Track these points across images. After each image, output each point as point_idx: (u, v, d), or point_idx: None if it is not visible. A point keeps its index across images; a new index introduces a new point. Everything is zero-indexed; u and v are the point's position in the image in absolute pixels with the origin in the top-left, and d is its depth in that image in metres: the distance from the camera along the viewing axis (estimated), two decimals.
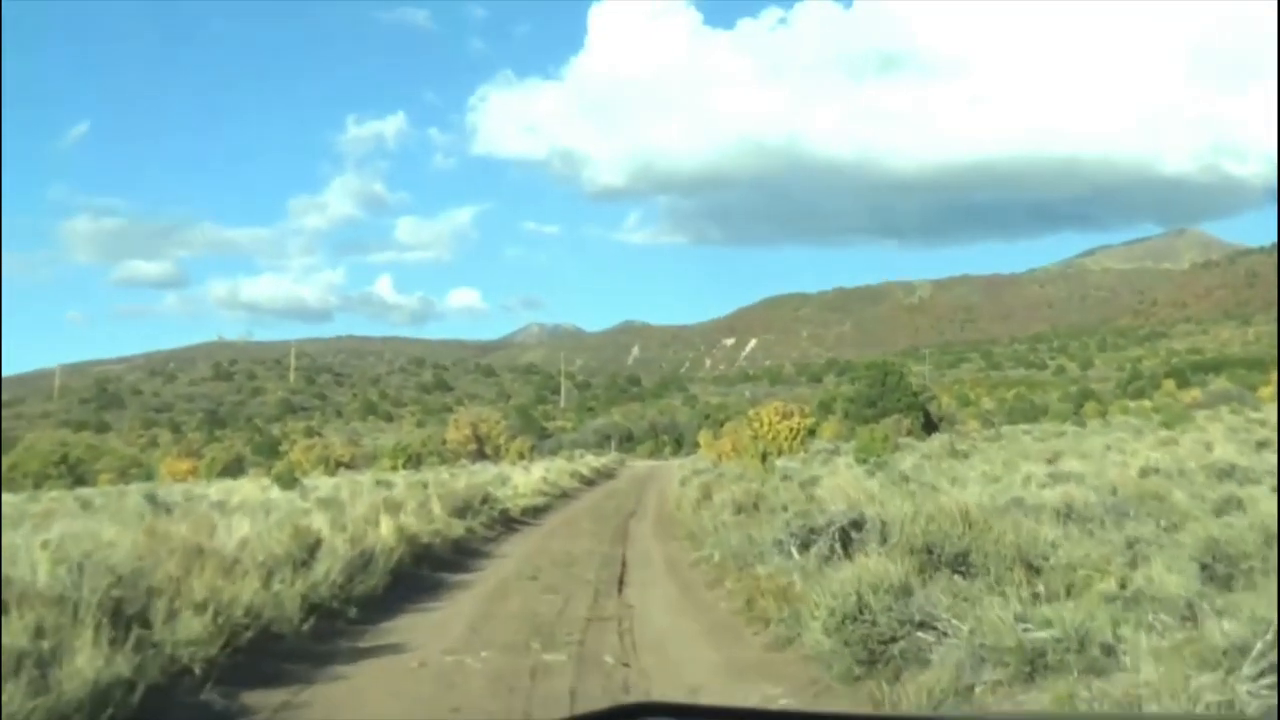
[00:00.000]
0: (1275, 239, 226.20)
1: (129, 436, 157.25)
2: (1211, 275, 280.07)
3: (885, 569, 11.15)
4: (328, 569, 13.86)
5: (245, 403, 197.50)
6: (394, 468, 70.58)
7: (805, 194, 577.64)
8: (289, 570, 13.38)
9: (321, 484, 52.34)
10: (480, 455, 78.83)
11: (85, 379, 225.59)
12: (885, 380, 74.82)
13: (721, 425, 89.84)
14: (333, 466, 77.51)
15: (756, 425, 61.37)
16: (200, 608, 10.21)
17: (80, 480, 73.75)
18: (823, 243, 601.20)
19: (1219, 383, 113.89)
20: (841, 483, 21.74)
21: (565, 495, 44.77)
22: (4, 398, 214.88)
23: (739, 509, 23.31)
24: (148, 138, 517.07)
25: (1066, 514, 16.90)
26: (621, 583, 17.59)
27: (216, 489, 39.47)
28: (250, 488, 36.05)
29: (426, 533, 20.91)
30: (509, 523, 30.38)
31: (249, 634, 10.62)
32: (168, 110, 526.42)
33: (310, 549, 14.87)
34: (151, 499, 29.48)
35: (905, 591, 10.58)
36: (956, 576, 11.45)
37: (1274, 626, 7.34)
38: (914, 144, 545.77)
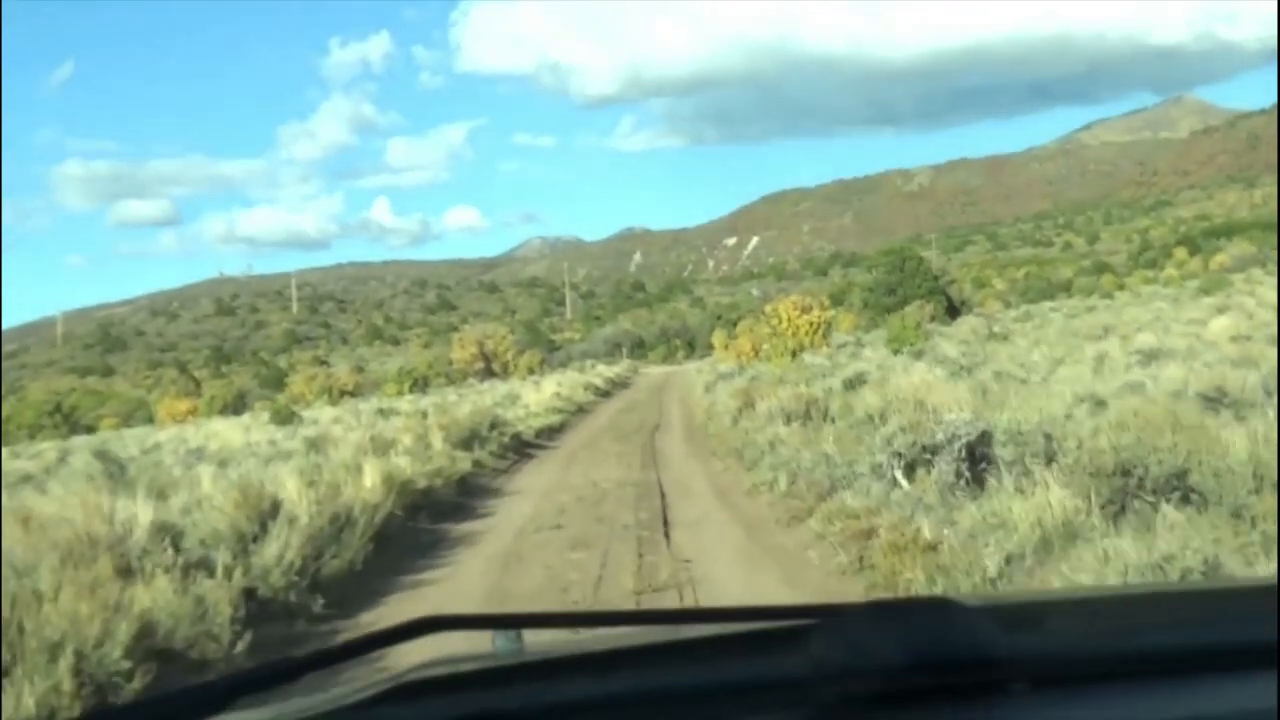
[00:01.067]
0: (1276, 100, 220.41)
1: (134, 379, 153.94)
2: (1212, 141, 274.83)
3: (1070, 503, 7.51)
4: (281, 549, 10.18)
5: (250, 336, 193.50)
6: (399, 393, 67.02)
7: (799, 88, 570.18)
8: (230, 555, 9.74)
9: (323, 415, 48.88)
10: (488, 373, 75.23)
11: (90, 324, 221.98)
12: (904, 266, 70.94)
13: (735, 325, 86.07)
14: (336, 396, 74.00)
15: (774, 322, 57.54)
16: (54, 650, 6.53)
17: (77, 428, 70.36)
18: (819, 136, 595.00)
19: (1241, 246, 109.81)
20: (914, 382, 17.99)
21: (581, 410, 41.17)
22: (6, 349, 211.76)
23: (788, 417, 19.70)
24: (132, 75, 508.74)
25: (1220, 400, 13.25)
26: (667, 525, 13.89)
27: (201, 433, 35.71)
28: (232, 431, 32.29)
29: (425, 474, 17.26)
30: (522, 448, 26.78)
31: (133, 681, 6.89)
32: (150, 46, 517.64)
33: (264, 518, 11.20)
34: (102, 455, 25.71)
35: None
36: (1175, 508, 7.76)
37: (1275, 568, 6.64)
38: (905, 31, 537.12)
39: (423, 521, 15.23)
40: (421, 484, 16.39)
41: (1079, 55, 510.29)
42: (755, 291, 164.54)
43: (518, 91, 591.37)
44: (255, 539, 10.66)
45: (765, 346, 57.09)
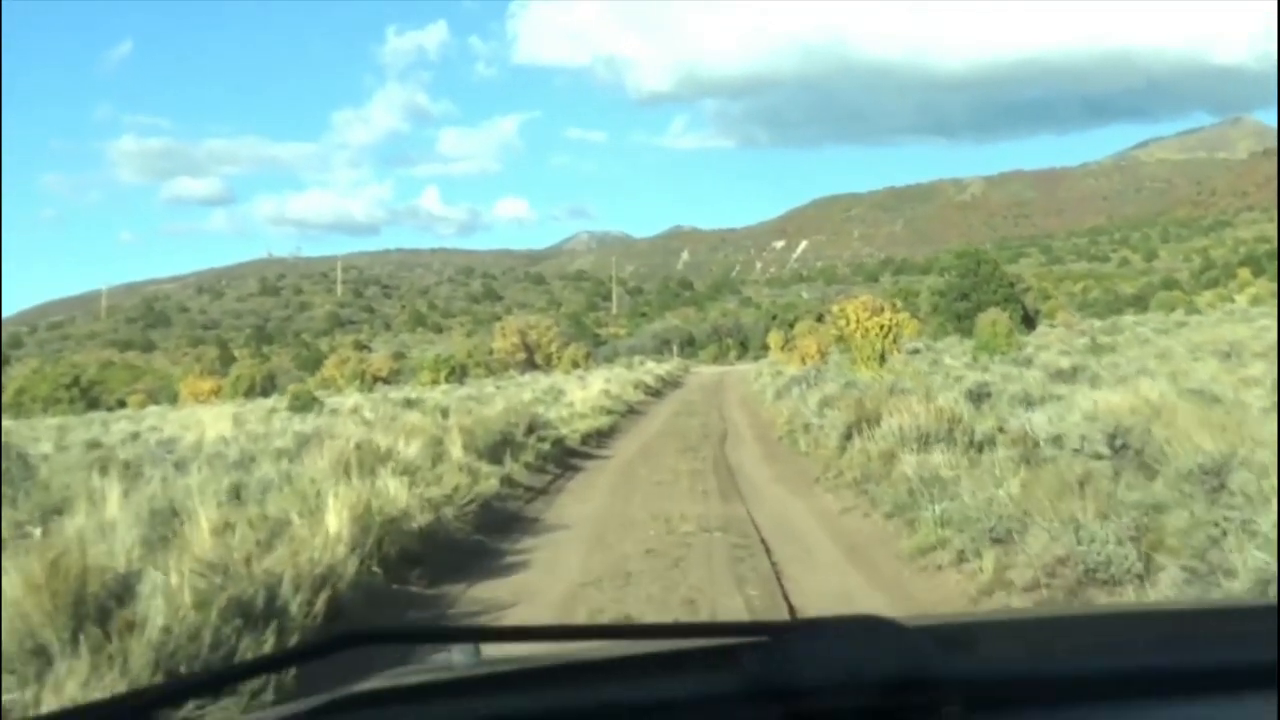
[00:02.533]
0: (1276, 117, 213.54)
1: (174, 355, 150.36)
2: (1271, 163, 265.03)
3: None
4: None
5: (293, 318, 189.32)
6: (434, 381, 61.98)
7: (853, 94, 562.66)
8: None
9: (346, 403, 43.96)
10: (530, 365, 70.17)
11: (137, 299, 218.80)
12: (978, 271, 65.28)
13: (791, 326, 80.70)
14: (369, 382, 69.22)
15: (841, 323, 52.14)
16: None
17: (96, 404, 65.68)
18: (871, 143, 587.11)
19: None
20: (1117, 401, 12.64)
21: (632, 411, 35.88)
22: (53, 319, 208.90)
23: (925, 439, 14.43)
24: (190, 55, 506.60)
25: None
26: (795, 615, 8.49)
27: (191, 419, 30.59)
28: (220, 420, 27.02)
29: (429, 502, 12.01)
30: (566, 458, 21.53)
31: None
32: (208, 26, 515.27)
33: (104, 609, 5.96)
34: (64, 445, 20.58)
35: None
36: None
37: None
38: (962, 41, 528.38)
39: (414, 582, 9.95)
40: (420, 520, 11.05)
41: (1137, 72, 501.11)
42: (804, 294, 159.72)
43: (572, 85, 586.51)
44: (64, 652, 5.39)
45: (833, 349, 51.92)
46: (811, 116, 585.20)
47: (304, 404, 41.68)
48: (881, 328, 52.32)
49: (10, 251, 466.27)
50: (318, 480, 11.41)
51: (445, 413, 19.13)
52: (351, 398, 51.16)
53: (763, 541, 11.84)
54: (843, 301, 57.55)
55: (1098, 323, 67.83)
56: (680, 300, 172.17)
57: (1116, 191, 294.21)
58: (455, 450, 16.09)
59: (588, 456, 22.75)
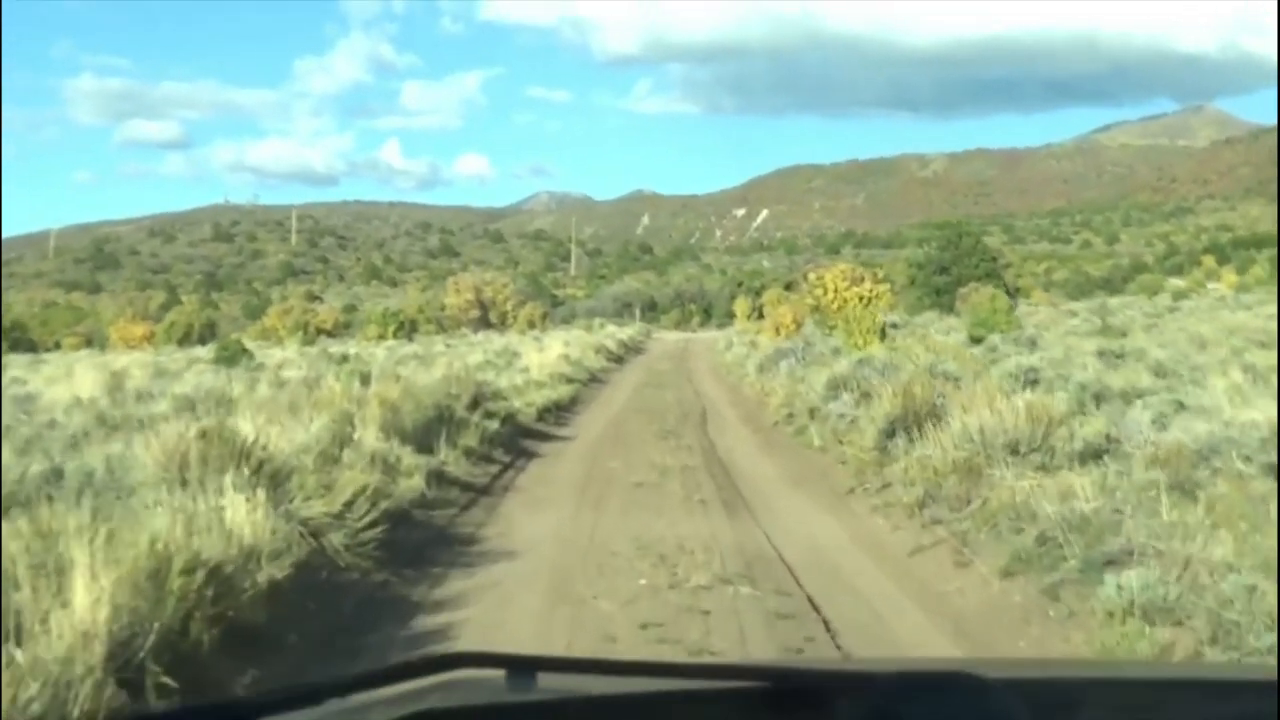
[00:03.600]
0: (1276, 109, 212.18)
1: (121, 298, 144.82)
2: (1234, 152, 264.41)
3: None
4: None
5: (245, 265, 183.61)
6: (380, 337, 57.48)
7: (819, 65, 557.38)
8: None
9: (277, 356, 39.57)
10: (484, 323, 65.73)
11: (89, 240, 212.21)
12: (960, 243, 61.18)
13: (758, 294, 76.50)
14: (312, 334, 64.68)
15: (818, 292, 48.29)
16: None
17: (20, 345, 60.68)
18: (836, 114, 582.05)
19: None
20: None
21: (594, 379, 31.67)
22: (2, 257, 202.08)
23: (1014, 448, 10.42)
24: None
25: None
26: None
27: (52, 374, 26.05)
28: (86, 376, 22.38)
29: (309, 524, 7.71)
30: (517, 439, 17.31)
31: None
32: None
33: None
34: None
35: None
36: None
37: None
38: (929, 17, 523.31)
39: (229, 689, 5.65)
40: (274, 569, 6.73)
41: (1102, 55, 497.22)
42: (766, 264, 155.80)
43: (537, 44, 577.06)
44: None
45: (808, 319, 47.95)
46: (777, 85, 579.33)
47: (231, 356, 37.30)
48: (861, 298, 48.56)
49: None
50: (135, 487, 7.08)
51: (366, 379, 14.69)
52: (285, 351, 46.80)
53: (815, 609, 7.61)
54: (820, 269, 53.52)
55: (1074, 304, 64.22)
56: (639, 264, 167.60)
57: (1078, 174, 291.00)
58: (368, 434, 11.79)
59: (545, 437, 18.51)
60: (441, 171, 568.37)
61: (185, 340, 61.75)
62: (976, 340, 35.76)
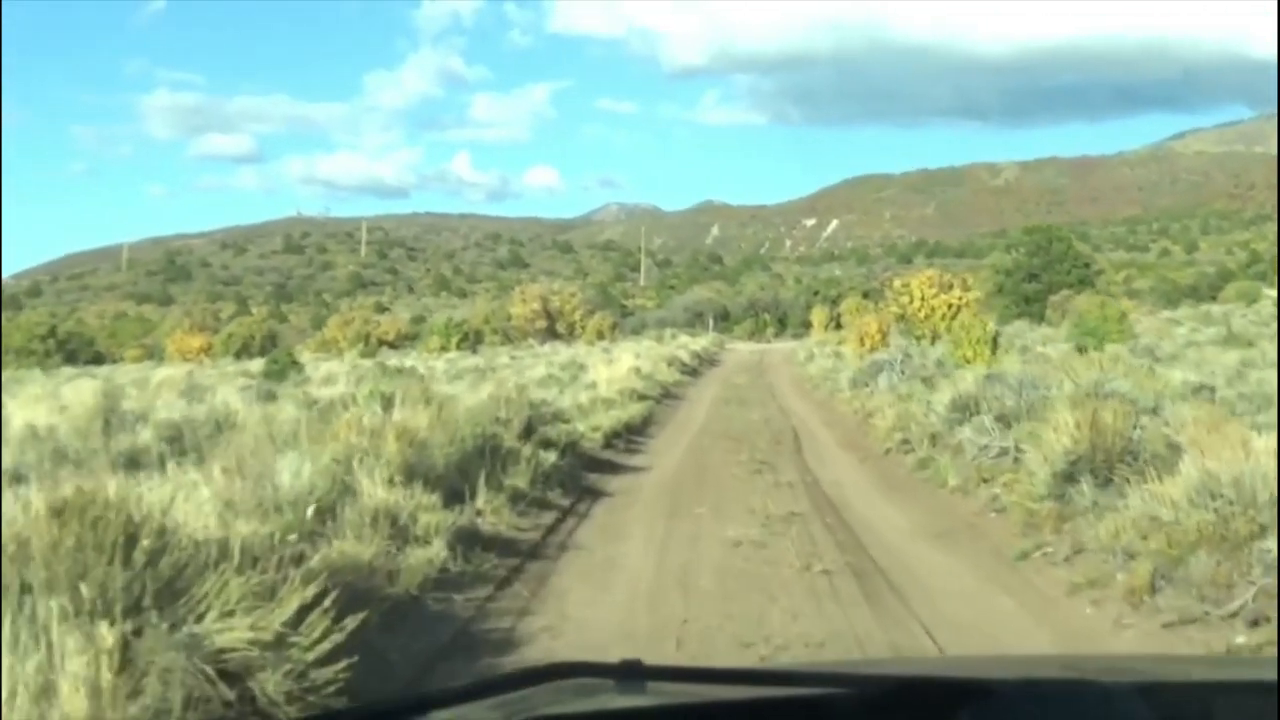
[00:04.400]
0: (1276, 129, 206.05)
1: (192, 310, 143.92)
2: None
3: None
4: None
5: (315, 277, 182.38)
6: (442, 349, 54.58)
7: (886, 74, 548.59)
8: None
9: (329, 372, 36.85)
10: (551, 334, 62.76)
11: (162, 252, 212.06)
12: (1050, 248, 57.41)
13: (834, 303, 73.01)
14: (374, 345, 61.94)
15: (904, 300, 44.89)
16: None
17: (73, 357, 58.30)
18: (904, 124, 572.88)
19: None
20: None
21: (668, 395, 28.51)
22: (74, 270, 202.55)
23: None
24: (223, 11, 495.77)
25: None
26: None
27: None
28: (85, 391, 19.35)
29: (260, 647, 4.55)
30: (579, 475, 14.16)
31: None
32: None
33: None
34: None
35: None
36: None
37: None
38: (997, 25, 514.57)
39: None
40: None
41: (1173, 61, 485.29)
42: (838, 273, 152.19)
43: (605, 56, 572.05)
44: None
45: (893, 328, 44.60)
46: (844, 95, 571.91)
47: (280, 369, 34.56)
48: (949, 306, 45.06)
49: (39, 203, 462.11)
50: None
51: (390, 402, 11.54)
52: (341, 363, 44.04)
53: None
54: (904, 276, 50.07)
55: (1168, 312, 60.34)
56: (709, 274, 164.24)
57: (1152, 182, 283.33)
58: (375, 480, 8.65)
59: (614, 469, 15.34)
60: (511, 184, 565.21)
61: (244, 352, 59.26)
62: (1084, 351, 32.30)
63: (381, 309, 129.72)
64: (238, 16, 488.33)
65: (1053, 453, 9.86)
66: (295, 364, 36.91)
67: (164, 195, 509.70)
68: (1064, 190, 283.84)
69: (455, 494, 10.02)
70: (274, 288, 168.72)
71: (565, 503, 12.11)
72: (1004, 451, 12.07)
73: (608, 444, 17.16)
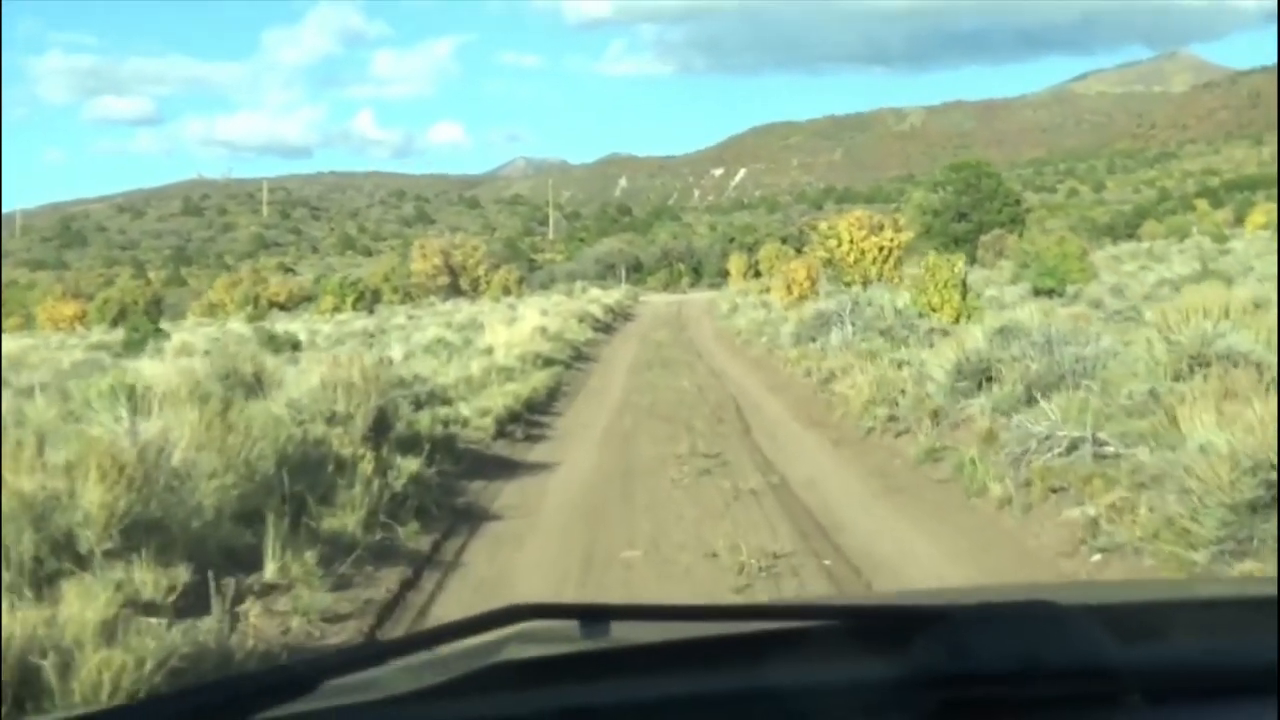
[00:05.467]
0: (1276, 58, 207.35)
1: (88, 276, 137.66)
2: (1212, 96, 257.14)
3: None
4: None
5: (215, 239, 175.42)
6: (335, 309, 49.87)
7: (791, 22, 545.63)
8: None
9: (193, 337, 32.29)
10: (454, 290, 58.14)
11: (59, 218, 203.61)
12: (980, 185, 53.81)
13: (751, 249, 68.83)
14: (264, 308, 57.03)
15: (831, 244, 41.03)
16: None
17: None
18: (810, 71, 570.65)
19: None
20: None
21: (580, 358, 24.38)
22: None
23: None
24: None
25: None
26: None
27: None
28: None
29: None
30: (454, 488, 9.96)
31: None
32: None
33: None
34: None
35: None
36: None
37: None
38: None
39: None
40: None
41: (1073, 4, 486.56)
42: (749, 219, 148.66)
43: (507, 9, 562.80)
44: None
45: (824, 275, 40.86)
46: (750, 44, 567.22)
47: (140, 339, 29.98)
48: (880, 249, 41.37)
49: None
50: None
51: (138, 403, 7.19)
52: (220, 328, 39.39)
53: None
54: (831, 219, 46.05)
55: (1103, 251, 57.13)
56: (619, 226, 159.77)
57: (1056, 124, 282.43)
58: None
59: (505, 471, 11.16)
60: (416, 141, 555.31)
61: (121, 319, 54.12)
62: (1047, 293, 28.61)
63: (285, 269, 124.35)
64: None
65: (1218, 461, 5.81)
66: (159, 332, 32.46)
67: (61, 160, 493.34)
68: (970, 134, 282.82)
69: (230, 559, 5.81)
70: (173, 251, 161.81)
71: (423, 545, 7.86)
72: (1075, 446, 8.02)
73: (501, 432, 12.94)
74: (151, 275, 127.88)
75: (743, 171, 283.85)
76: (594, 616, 1.61)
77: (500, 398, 14.29)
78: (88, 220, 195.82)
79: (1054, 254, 29.90)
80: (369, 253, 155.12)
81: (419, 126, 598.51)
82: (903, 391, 12.51)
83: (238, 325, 39.01)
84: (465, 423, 12.48)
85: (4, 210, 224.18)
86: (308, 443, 8.26)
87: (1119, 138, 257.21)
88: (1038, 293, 29.44)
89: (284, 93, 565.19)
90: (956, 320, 19.57)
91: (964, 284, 20.48)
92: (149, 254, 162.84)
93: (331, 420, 9.11)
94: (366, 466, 8.23)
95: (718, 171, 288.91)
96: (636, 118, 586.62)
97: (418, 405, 12.75)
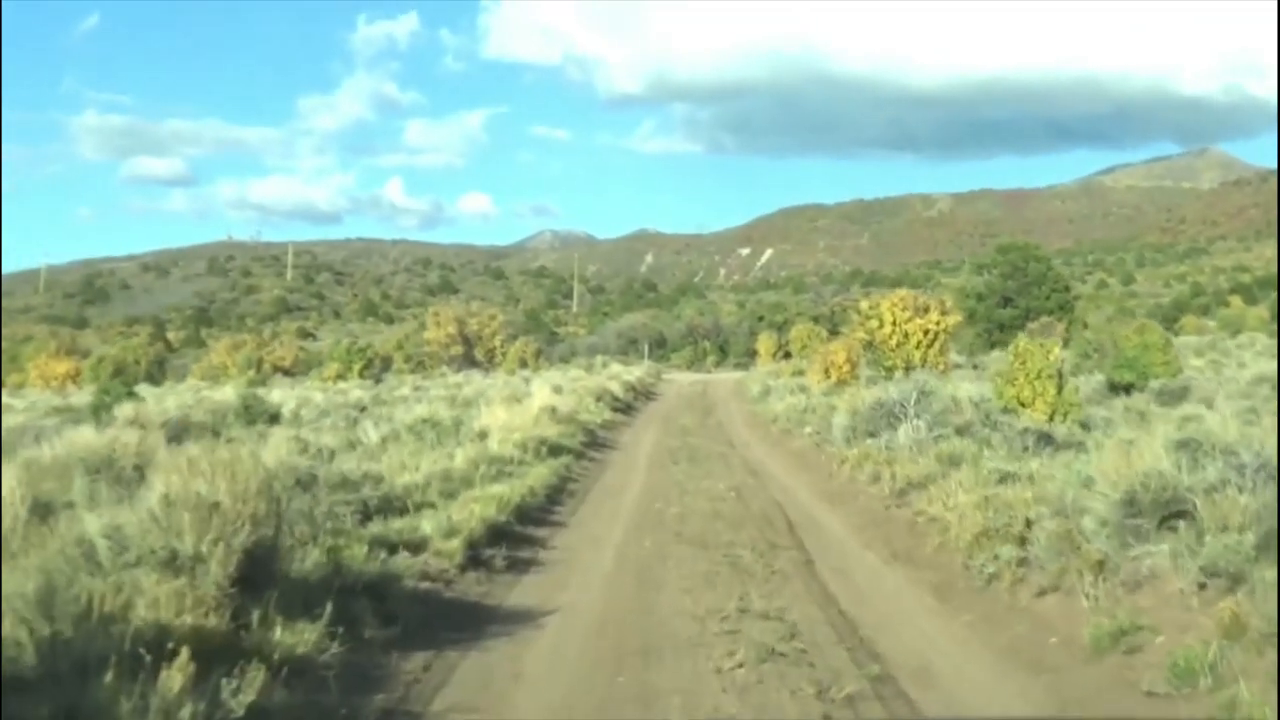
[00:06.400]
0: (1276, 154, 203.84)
1: (107, 333, 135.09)
2: (1242, 194, 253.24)
3: None
4: None
5: (238, 300, 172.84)
6: (339, 376, 46.40)
7: (821, 105, 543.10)
8: None
9: (173, 403, 29.00)
10: (469, 360, 54.68)
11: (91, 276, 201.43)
12: (1027, 270, 50.21)
13: (781, 328, 65.23)
14: (267, 372, 53.57)
15: (873, 324, 37.43)
16: None
17: None
18: (839, 154, 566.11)
19: None
20: None
21: (593, 443, 20.72)
22: None
23: None
24: (156, 31, 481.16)
25: None
26: None
27: None
28: None
29: None
30: (375, 667, 6.22)
31: None
32: (176, 4, 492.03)
33: None
34: None
35: None
36: None
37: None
38: (930, 58, 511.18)
39: None
40: None
41: (1103, 97, 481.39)
42: (774, 299, 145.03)
43: (540, 83, 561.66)
44: None
45: (864, 359, 37.32)
46: (780, 126, 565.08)
47: (110, 402, 26.55)
48: (925, 333, 37.78)
49: None
50: None
51: None
52: (214, 393, 35.92)
53: None
54: (873, 298, 42.43)
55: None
56: (643, 302, 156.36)
57: (1084, 215, 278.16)
58: None
59: (465, 630, 7.46)
60: (445, 210, 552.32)
61: (118, 377, 50.76)
62: (1123, 389, 24.88)
63: (305, 334, 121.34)
64: (170, 38, 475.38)
65: None
66: (132, 395, 29.04)
67: (92, 217, 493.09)
68: (997, 222, 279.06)
69: None
70: (194, 311, 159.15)
71: None
72: None
73: (475, 558, 9.28)
74: (171, 335, 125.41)
75: (769, 251, 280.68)
76: None
77: (481, 504, 10.66)
78: (112, 278, 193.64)
79: (1134, 344, 26.19)
80: (391, 320, 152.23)
81: (448, 196, 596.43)
82: (1029, 523, 8.88)
83: (229, 391, 35.52)
84: (423, 545, 8.85)
85: (35, 265, 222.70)
86: (101, 617, 4.66)
87: (1147, 231, 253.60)
88: (1114, 387, 25.83)
89: (316, 158, 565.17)
90: (1050, 418, 15.98)
91: (1060, 375, 16.78)
92: (171, 313, 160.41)
93: (171, 564, 5.50)
94: (176, 676, 4.54)
95: (744, 251, 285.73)
96: (665, 195, 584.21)
97: (365, 516, 9.18)
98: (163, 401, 30.11)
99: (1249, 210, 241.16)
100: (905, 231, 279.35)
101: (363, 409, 27.06)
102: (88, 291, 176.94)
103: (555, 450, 17.19)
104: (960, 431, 15.96)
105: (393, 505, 9.68)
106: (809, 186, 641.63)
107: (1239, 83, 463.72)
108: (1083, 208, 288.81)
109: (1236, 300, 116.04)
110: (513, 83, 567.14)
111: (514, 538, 10.50)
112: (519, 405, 20.50)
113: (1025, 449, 14.53)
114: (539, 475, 13.99)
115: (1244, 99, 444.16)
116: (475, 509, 10.37)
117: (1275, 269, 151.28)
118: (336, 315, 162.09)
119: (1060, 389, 16.31)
